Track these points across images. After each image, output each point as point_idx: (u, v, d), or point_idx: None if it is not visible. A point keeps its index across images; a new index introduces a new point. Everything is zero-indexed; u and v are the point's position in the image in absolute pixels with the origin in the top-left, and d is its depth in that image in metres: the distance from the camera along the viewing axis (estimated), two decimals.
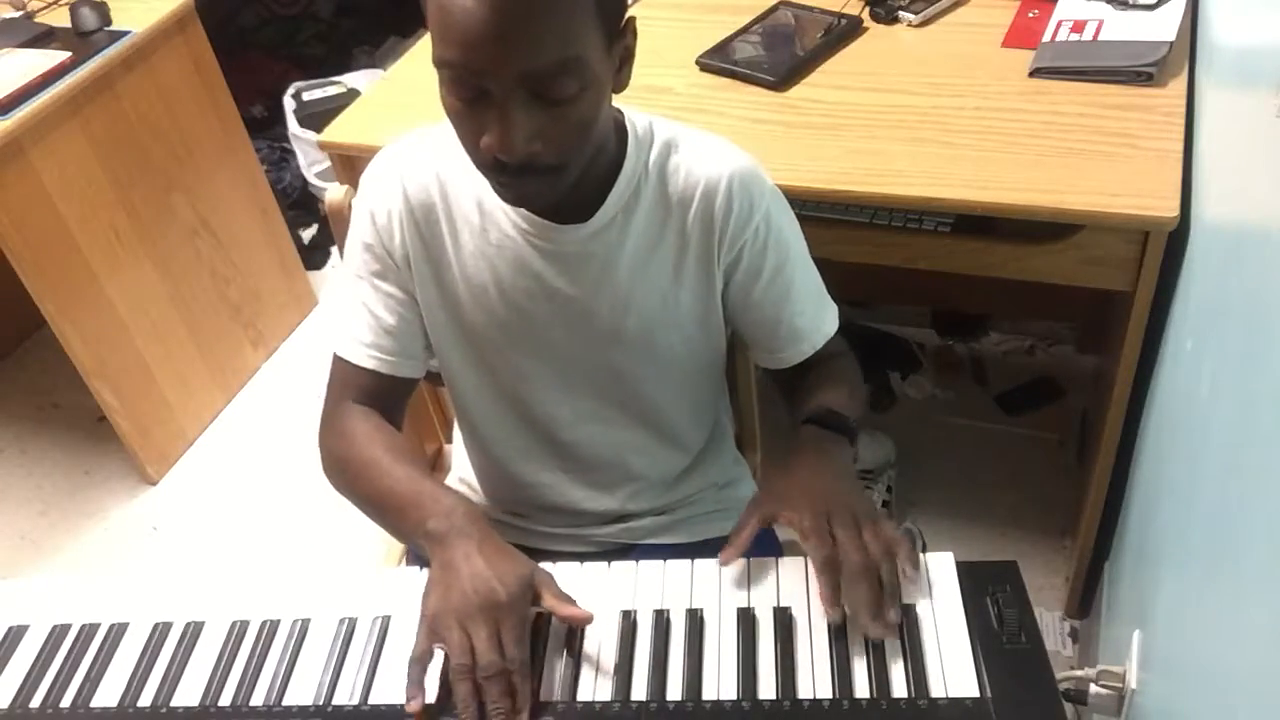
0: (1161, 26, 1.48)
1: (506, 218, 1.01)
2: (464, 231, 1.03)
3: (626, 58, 0.91)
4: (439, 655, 0.88)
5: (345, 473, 1.06)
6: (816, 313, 1.11)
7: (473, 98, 0.84)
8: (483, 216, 1.02)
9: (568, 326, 1.05)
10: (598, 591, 0.95)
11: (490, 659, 0.84)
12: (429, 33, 0.84)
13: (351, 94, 2.69)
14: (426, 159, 1.03)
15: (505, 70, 0.81)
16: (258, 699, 0.90)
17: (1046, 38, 1.55)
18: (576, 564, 0.99)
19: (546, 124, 0.85)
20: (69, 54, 1.91)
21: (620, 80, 0.92)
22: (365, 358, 1.07)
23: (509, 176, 0.88)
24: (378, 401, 1.09)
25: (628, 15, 0.90)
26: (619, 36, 0.89)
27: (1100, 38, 1.52)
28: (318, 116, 2.60)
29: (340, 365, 1.08)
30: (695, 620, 0.92)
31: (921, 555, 0.94)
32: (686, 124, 1.06)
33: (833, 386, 1.10)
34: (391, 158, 1.05)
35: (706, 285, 1.05)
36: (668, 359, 1.09)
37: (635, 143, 0.99)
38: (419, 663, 0.87)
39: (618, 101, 0.96)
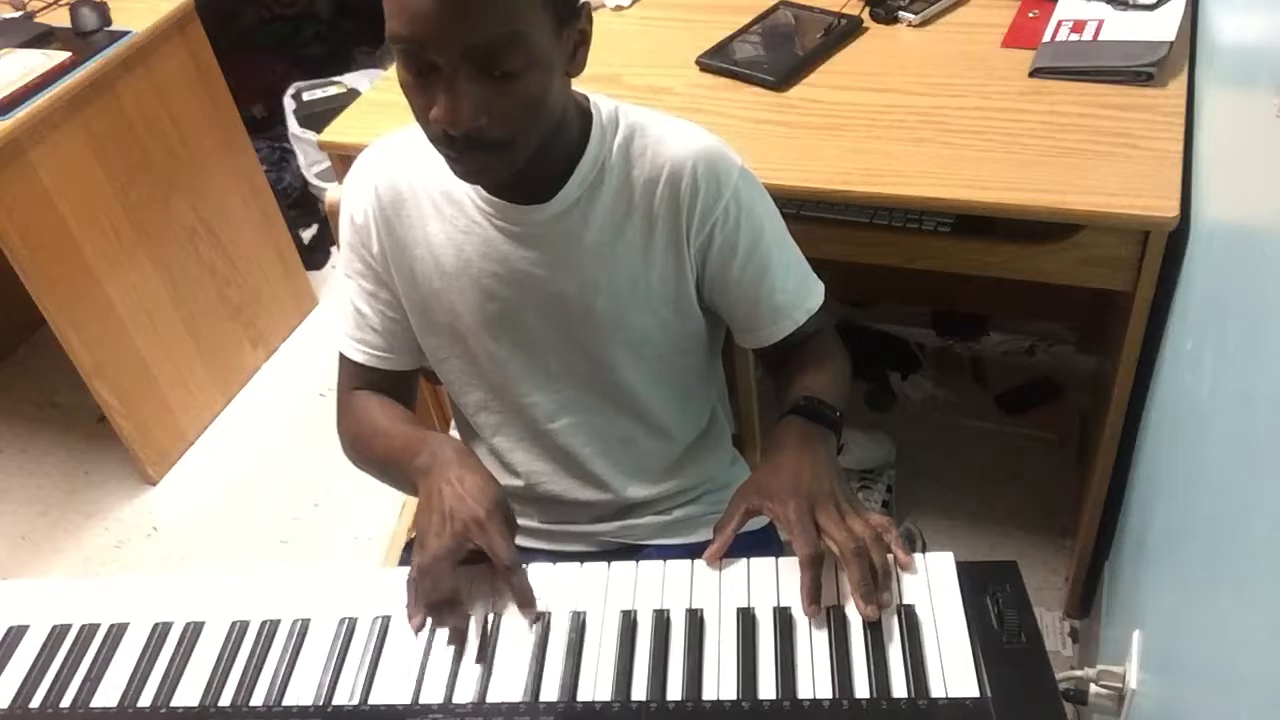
0: (1161, 26, 1.48)
1: (472, 203, 1.04)
2: (434, 222, 1.06)
3: (581, 42, 0.94)
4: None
5: (356, 448, 1.15)
6: (798, 289, 1.11)
7: (422, 71, 0.87)
8: (451, 205, 1.05)
9: (539, 310, 1.07)
10: (598, 591, 0.95)
11: (433, 552, 0.93)
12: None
13: (351, 94, 2.69)
14: (397, 157, 1.07)
15: (450, 43, 0.84)
16: (258, 699, 0.91)
17: (1046, 38, 1.55)
18: (576, 564, 0.99)
19: (493, 98, 0.87)
20: (69, 54, 1.91)
21: (575, 64, 0.94)
22: (357, 353, 1.14)
23: (457, 150, 0.91)
24: (380, 390, 1.16)
25: (582, 1, 0.93)
26: (571, 19, 0.91)
27: (1100, 38, 1.52)
28: (318, 116, 2.60)
29: (343, 359, 1.16)
30: (695, 620, 0.92)
31: (921, 555, 0.94)
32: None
33: (817, 371, 1.11)
34: (364, 161, 1.10)
35: (677, 267, 1.06)
36: (642, 342, 1.10)
37: (599, 127, 1.01)
38: (410, 583, 0.96)
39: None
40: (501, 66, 0.86)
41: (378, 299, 1.12)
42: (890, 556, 0.93)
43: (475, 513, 0.94)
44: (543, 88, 0.90)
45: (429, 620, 0.95)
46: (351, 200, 1.09)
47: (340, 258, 1.13)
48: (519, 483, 1.19)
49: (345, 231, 1.11)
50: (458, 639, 0.93)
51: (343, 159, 1.57)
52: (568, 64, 0.93)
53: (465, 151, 0.91)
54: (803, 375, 1.10)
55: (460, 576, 0.95)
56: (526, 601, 0.94)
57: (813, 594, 0.90)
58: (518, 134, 0.91)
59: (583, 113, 1.02)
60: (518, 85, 0.87)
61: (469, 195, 1.03)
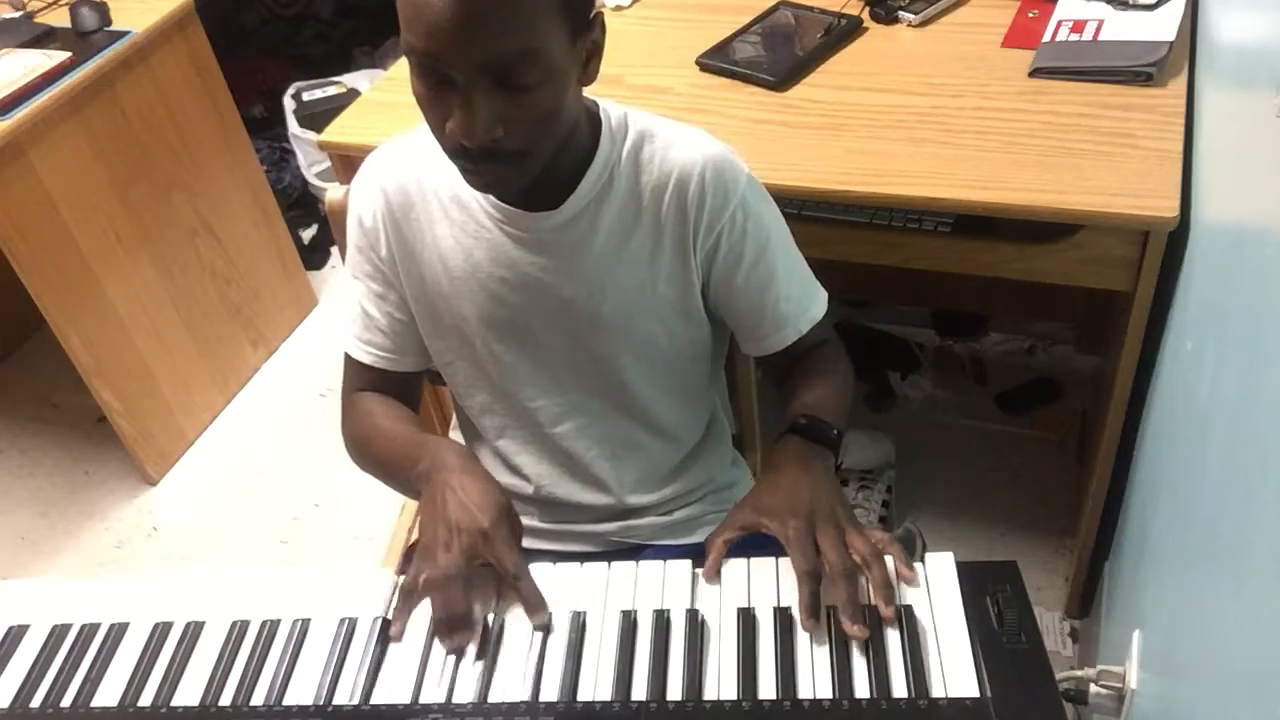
0: (1161, 26, 1.48)
1: (481, 208, 1.03)
2: (442, 226, 1.06)
3: (594, 51, 0.94)
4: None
5: (359, 449, 1.15)
6: (801, 297, 1.11)
7: (438, 83, 0.87)
8: (460, 209, 1.05)
9: (547, 315, 1.07)
10: (598, 591, 0.95)
11: (443, 568, 0.93)
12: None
13: (351, 94, 2.69)
14: (405, 160, 1.07)
15: (467, 58, 0.84)
16: (258, 699, 0.90)
17: (1046, 38, 1.55)
18: (576, 565, 0.99)
19: (509, 111, 0.87)
20: (69, 54, 1.91)
21: (588, 74, 0.95)
22: (364, 354, 1.14)
23: (473, 162, 0.91)
24: (385, 392, 1.16)
25: (595, 10, 0.92)
26: (585, 30, 0.91)
27: (1100, 38, 1.52)
28: (318, 116, 2.60)
29: (348, 359, 1.16)
30: (695, 620, 0.92)
31: (921, 557, 0.94)
32: (687, 124, 1.07)
33: (819, 384, 1.11)
34: (373, 163, 1.10)
35: (684, 274, 1.06)
36: (648, 347, 1.10)
37: (609, 133, 1.01)
38: (405, 591, 0.96)
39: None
40: (518, 80, 0.86)
41: (385, 301, 1.11)
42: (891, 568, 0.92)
43: (480, 524, 0.94)
44: (558, 99, 0.90)
45: (440, 630, 0.93)
46: (360, 202, 1.09)
47: (347, 259, 1.13)
48: (524, 486, 1.19)
49: (353, 233, 1.10)
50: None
51: (343, 159, 1.57)
52: (581, 74, 0.93)
53: (481, 163, 0.91)
54: (804, 390, 1.10)
55: (471, 588, 0.94)
56: (536, 607, 0.93)
57: (811, 609, 0.89)
58: (533, 145, 0.91)
59: (592, 119, 1.02)
60: (534, 97, 0.87)
61: (478, 200, 1.03)
